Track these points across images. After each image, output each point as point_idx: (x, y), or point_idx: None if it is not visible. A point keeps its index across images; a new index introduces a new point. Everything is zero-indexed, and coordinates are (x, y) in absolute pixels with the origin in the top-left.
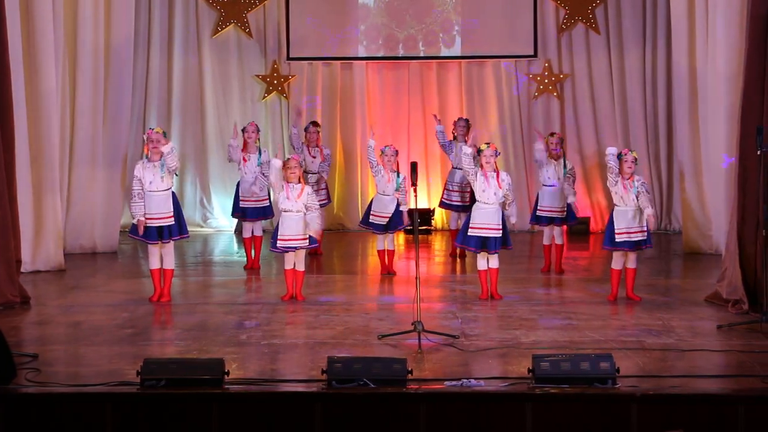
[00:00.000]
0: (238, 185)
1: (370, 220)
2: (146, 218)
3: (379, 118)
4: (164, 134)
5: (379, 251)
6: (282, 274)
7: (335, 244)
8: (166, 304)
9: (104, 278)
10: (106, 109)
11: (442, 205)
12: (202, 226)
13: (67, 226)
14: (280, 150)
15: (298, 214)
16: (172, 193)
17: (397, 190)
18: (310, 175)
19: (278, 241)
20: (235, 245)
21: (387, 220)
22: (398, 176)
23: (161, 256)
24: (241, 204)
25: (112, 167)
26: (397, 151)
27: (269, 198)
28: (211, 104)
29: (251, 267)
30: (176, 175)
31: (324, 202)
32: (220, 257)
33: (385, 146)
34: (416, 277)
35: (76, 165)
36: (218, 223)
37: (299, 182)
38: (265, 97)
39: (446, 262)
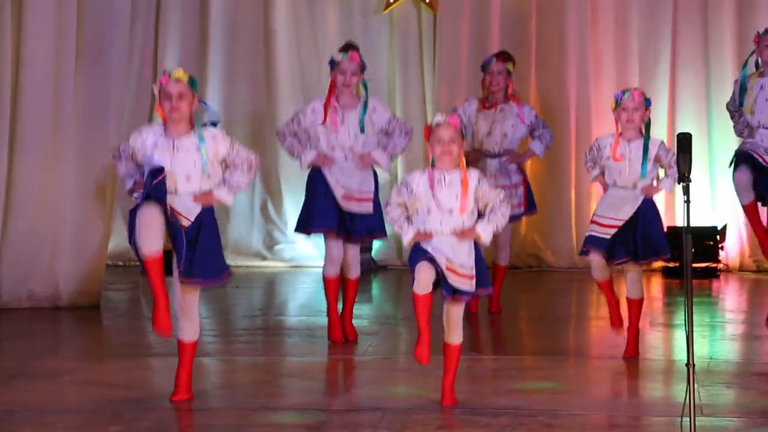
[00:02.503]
0: (310, 180)
1: (593, 232)
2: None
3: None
4: (193, 83)
5: (597, 284)
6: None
7: (518, 288)
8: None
9: (74, 357)
10: (80, 54)
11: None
12: (265, 258)
13: (2, 260)
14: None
15: (447, 229)
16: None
17: (644, 176)
18: (490, 159)
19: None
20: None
21: (615, 232)
22: (646, 146)
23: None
24: (343, 205)
25: (88, 159)
26: (648, 100)
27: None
28: (285, 20)
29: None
30: (235, 192)
31: (519, 211)
32: (300, 317)
33: (625, 91)
34: (688, 365)
35: (21, 156)
36: (298, 251)
37: (457, 166)
38: (390, 5)
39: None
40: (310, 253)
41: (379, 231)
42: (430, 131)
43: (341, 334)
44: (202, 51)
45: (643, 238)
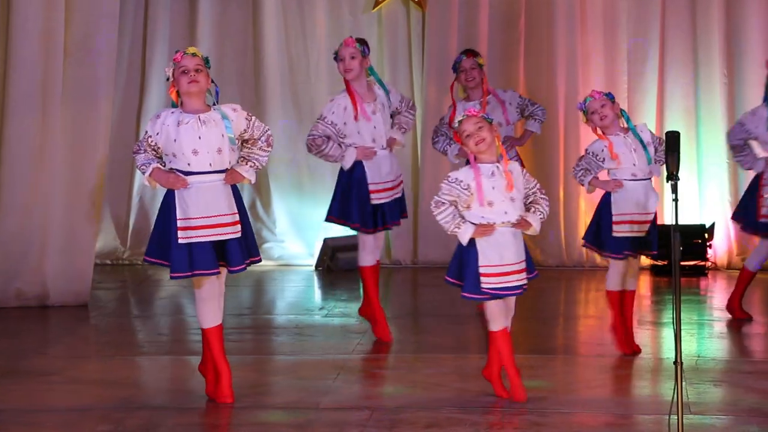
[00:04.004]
0: (342, 174)
1: (615, 232)
2: (189, 226)
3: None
4: (207, 61)
5: (609, 294)
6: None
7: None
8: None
9: (62, 356)
10: (68, 54)
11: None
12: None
13: None
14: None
15: (513, 217)
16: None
17: (650, 161)
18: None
19: (491, 281)
20: (318, 294)
21: (648, 229)
22: (635, 133)
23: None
24: (373, 199)
25: (77, 159)
26: (609, 93)
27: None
28: (274, 18)
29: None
30: (258, 168)
31: None
32: (288, 316)
33: (585, 99)
34: (676, 363)
35: (9, 156)
36: (287, 250)
37: (494, 159)
38: (378, 4)
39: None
40: (298, 251)
41: (405, 211)
42: (458, 133)
43: (389, 332)
44: (190, 42)
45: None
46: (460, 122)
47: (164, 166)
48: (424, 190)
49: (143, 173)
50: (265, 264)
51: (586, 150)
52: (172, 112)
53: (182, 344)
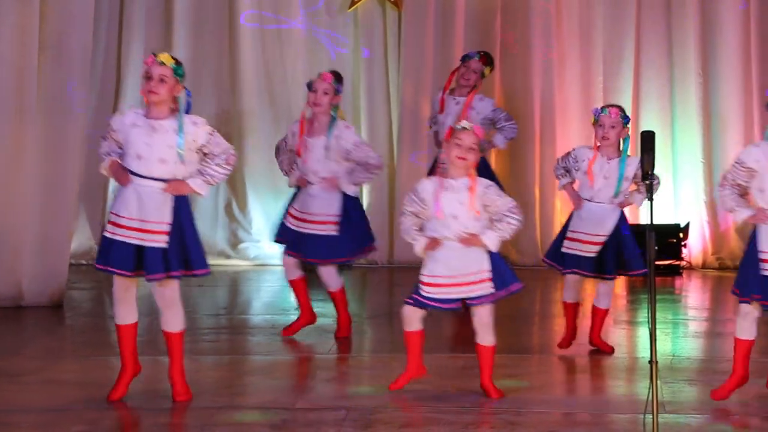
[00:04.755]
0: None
1: (563, 249)
2: (117, 223)
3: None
4: (178, 70)
5: (568, 305)
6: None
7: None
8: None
9: (37, 356)
10: (43, 51)
11: None
12: (229, 257)
13: None
14: None
15: (453, 233)
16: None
17: (616, 194)
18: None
19: (428, 290)
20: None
21: (599, 249)
22: (623, 164)
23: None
24: (285, 220)
25: (51, 158)
26: (627, 117)
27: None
28: (250, 20)
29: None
30: (211, 184)
31: None
32: (264, 316)
33: (603, 108)
34: (651, 362)
35: None
36: (263, 250)
37: (463, 174)
38: (354, 3)
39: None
40: (274, 251)
41: (336, 256)
42: (452, 132)
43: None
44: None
45: (621, 252)
46: (463, 128)
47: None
48: (400, 189)
49: (102, 161)
50: (240, 264)
51: (573, 150)
52: (136, 113)
53: (157, 344)
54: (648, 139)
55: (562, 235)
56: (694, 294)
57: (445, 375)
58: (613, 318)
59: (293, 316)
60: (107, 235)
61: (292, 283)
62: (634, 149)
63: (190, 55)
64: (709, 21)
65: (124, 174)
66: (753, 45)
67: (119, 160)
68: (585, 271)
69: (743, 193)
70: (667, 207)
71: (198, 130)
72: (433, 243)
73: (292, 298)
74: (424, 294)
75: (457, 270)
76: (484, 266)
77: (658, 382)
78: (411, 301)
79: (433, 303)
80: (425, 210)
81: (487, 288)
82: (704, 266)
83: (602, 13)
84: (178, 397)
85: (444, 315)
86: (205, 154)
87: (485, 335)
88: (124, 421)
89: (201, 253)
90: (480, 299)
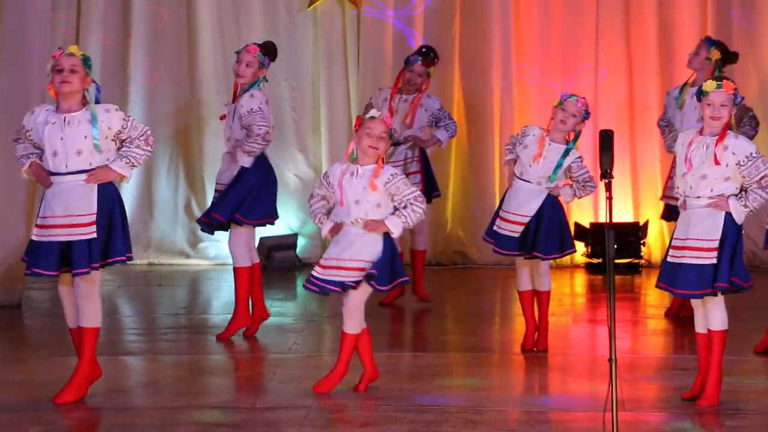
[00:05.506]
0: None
1: (495, 228)
2: (43, 225)
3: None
4: (87, 61)
5: (521, 294)
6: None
7: (443, 285)
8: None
9: None
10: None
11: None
12: (189, 256)
13: None
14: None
15: (363, 220)
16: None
17: (551, 180)
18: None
19: (319, 271)
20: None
21: (522, 229)
22: (566, 153)
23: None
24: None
25: (8, 158)
26: (588, 113)
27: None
28: (209, 17)
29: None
30: (134, 166)
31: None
32: (224, 316)
33: (572, 95)
34: (610, 360)
35: None
36: (223, 249)
37: (370, 162)
38: (314, 2)
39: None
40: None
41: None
42: (361, 122)
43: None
44: (125, 49)
45: (548, 233)
46: (372, 118)
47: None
48: None
49: (23, 164)
50: (200, 263)
51: (525, 126)
52: (47, 110)
53: (117, 344)
54: (606, 139)
55: (497, 213)
56: (653, 292)
57: (403, 374)
58: (573, 317)
59: None
60: (34, 238)
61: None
62: (594, 151)
63: (149, 53)
64: (667, 19)
65: (45, 176)
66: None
67: (38, 161)
68: (508, 250)
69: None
70: (625, 206)
71: (111, 116)
72: (337, 227)
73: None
74: (315, 275)
75: (346, 255)
76: (372, 258)
77: (618, 380)
78: (308, 284)
79: (321, 284)
80: (333, 194)
81: (356, 277)
82: None
83: (561, 12)
84: (61, 399)
85: (402, 315)
86: (123, 141)
87: (347, 323)
88: (83, 422)
89: (122, 241)
90: (339, 286)
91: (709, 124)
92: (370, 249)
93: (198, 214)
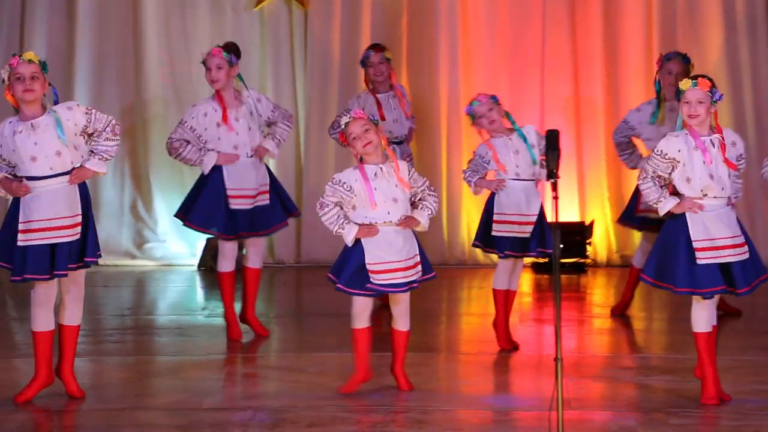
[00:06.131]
0: (201, 178)
1: (495, 233)
2: (29, 229)
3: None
4: (45, 67)
5: (495, 292)
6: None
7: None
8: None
9: None
10: None
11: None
12: (134, 256)
13: None
14: None
15: (396, 217)
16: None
17: (535, 162)
18: (394, 146)
19: (374, 277)
20: (200, 294)
21: (532, 229)
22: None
23: (62, 303)
24: (232, 203)
25: None
26: (494, 96)
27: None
28: (155, 17)
29: (238, 336)
30: (107, 159)
31: None
32: (170, 317)
33: (470, 103)
34: (556, 359)
35: None
36: (169, 250)
37: (386, 157)
38: (260, 2)
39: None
40: (180, 251)
41: (277, 221)
42: (344, 136)
43: (240, 331)
44: (70, 49)
45: (543, 230)
46: (346, 124)
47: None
48: (307, 190)
49: None
50: (146, 264)
51: (474, 152)
52: (10, 122)
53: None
54: (553, 139)
55: (488, 218)
56: (598, 291)
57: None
58: (520, 316)
59: (200, 317)
60: (21, 244)
61: (227, 277)
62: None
63: (94, 54)
64: (613, 20)
65: (19, 185)
66: (655, 47)
67: (8, 176)
68: (518, 252)
69: (663, 185)
70: (571, 205)
71: (75, 113)
72: (370, 229)
73: (199, 298)
74: (376, 282)
75: (396, 255)
76: (417, 250)
77: (564, 378)
78: (364, 292)
79: (386, 289)
80: (351, 198)
81: (418, 273)
82: (608, 264)
83: (508, 13)
84: (79, 393)
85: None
86: (90, 135)
87: (405, 321)
88: (28, 424)
89: (94, 240)
90: (408, 286)
91: (689, 122)
92: (413, 243)
93: (144, 214)
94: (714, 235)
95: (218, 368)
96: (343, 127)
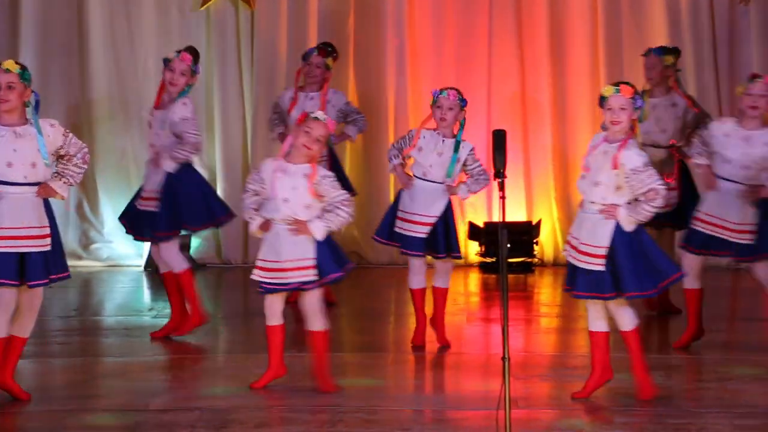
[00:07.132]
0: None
1: (396, 229)
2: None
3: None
4: (24, 74)
5: (415, 291)
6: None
7: (338, 285)
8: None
9: None
10: None
11: None
12: (80, 257)
13: None
14: None
15: (302, 219)
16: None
17: (449, 175)
18: None
19: (261, 274)
20: (147, 294)
21: (430, 230)
22: (457, 146)
23: (18, 312)
24: (140, 205)
25: None
26: (464, 100)
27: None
28: (100, 20)
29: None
30: (71, 185)
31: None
32: (116, 317)
33: (442, 90)
34: (503, 359)
35: None
36: (115, 250)
37: (302, 162)
38: (206, 2)
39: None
40: (127, 252)
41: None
42: (305, 119)
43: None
44: (14, 48)
45: (449, 233)
46: (316, 119)
47: None
48: None
49: None
50: (93, 265)
51: (410, 130)
52: None
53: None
54: (499, 138)
55: (393, 213)
56: (546, 291)
57: (298, 374)
58: (467, 315)
59: (146, 317)
60: None
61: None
62: (488, 150)
63: (39, 54)
64: (559, 20)
65: None
66: (601, 47)
67: None
68: (416, 251)
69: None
70: (518, 205)
71: (55, 132)
72: (266, 224)
73: (146, 299)
74: (262, 281)
75: (285, 255)
76: (309, 254)
77: (511, 378)
78: (260, 288)
79: (274, 287)
80: (265, 189)
81: (311, 275)
82: (555, 263)
83: (454, 11)
84: (25, 396)
85: (300, 315)
86: (61, 156)
87: (313, 321)
88: None
89: (63, 257)
90: (306, 285)
91: (611, 129)
92: (304, 248)
93: (90, 215)
94: (578, 236)
95: (165, 369)
96: (312, 115)
